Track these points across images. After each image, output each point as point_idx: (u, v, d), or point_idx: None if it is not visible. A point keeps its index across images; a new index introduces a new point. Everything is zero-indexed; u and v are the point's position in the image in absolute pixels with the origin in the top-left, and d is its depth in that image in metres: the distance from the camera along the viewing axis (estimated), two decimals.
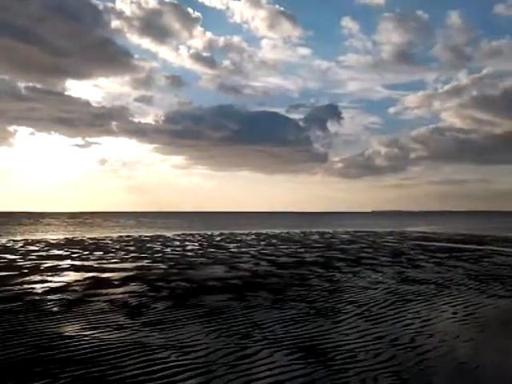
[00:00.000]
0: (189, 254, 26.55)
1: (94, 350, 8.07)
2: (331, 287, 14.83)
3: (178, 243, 35.38)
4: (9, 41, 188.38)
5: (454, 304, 12.24)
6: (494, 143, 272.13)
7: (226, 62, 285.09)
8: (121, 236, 45.06)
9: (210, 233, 51.70)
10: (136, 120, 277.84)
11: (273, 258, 24.29)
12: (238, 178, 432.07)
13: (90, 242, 36.67)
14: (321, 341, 8.78)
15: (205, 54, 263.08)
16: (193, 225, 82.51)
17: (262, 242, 36.59)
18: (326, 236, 46.44)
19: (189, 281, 16.06)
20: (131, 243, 35.01)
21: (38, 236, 45.46)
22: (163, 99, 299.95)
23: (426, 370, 7.20)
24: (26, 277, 16.99)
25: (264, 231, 56.14)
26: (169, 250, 29.34)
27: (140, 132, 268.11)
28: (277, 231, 56.46)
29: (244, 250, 29.39)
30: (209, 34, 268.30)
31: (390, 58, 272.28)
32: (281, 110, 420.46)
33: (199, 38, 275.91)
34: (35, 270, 19.03)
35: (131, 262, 22.26)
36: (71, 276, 17.32)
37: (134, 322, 10.11)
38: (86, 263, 21.43)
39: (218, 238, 41.79)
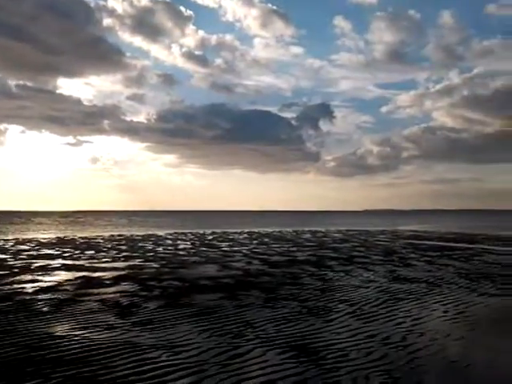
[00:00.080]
0: (181, 252, 26.50)
1: (84, 349, 8.03)
2: (323, 286, 14.86)
3: (170, 242, 35.30)
4: (2, 39, 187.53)
5: (444, 302, 12.30)
6: (485, 142, 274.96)
7: (219, 61, 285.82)
8: (112, 235, 44.88)
9: (202, 232, 51.64)
10: (128, 118, 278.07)
11: (265, 256, 24.30)
12: (231, 176, 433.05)
13: (82, 241, 36.50)
14: (313, 340, 8.79)
15: (197, 53, 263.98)
16: (185, 224, 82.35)
17: (254, 241, 36.59)
18: (319, 235, 46.52)
19: (181, 280, 16.02)
20: (123, 242, 34.89)
21: (29, 235, 45.19)
22: (155, 98, 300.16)
23: (417, 368, 7.23)
24: (16, 276, 16.88)
25: (256, 230, 56.16)
26: (161, 248, 29.27)
27: (132, 130, 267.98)
28: (269, 230, 56.49)
29: (236, 248, 29.38)
30: (201, 33, 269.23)
31: (382, 58, 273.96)
32: (273, 109, 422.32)
33: (191, 37, 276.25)
34: (26, 269, 18.91)
35: (123, 261, 22.18)
36: (62, 275, 17.23)
37: (125, 322, 10.08)
38: (77, 262, 21.32)
39: (210, 237, 41.74)
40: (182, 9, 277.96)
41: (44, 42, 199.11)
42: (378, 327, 9.74)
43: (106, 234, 46.06)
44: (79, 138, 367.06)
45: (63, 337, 8.83)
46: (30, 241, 36.22)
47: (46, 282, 15.74)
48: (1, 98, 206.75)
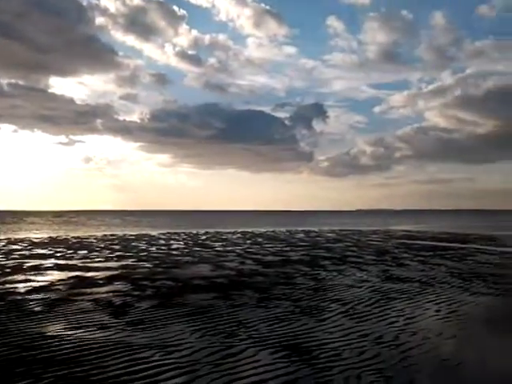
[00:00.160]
0: (174, 252, 26.45)
1: (77, 349, 8.00)
2: (316, 286, 14.88)
3: (163, 242, 35.23)
4: None
5: (437, 302, 12.36)
6: (478, 143, 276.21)
7: (212, 60, 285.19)
8: (105, 235, 44.73)
9: (195, 231, 51.57)
10: (121, 118, 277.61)
11: (258, 256, 24.30)
12: (224, 176, 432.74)
13: (75, 240, 36.35)
14: (305, 339, 8.80)
15: (190, 52, 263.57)
16: (178, 223, 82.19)
17: (248, 241, 36.58)
18: (312, 235, 46.58)
19: (174, 280, 15.99)
20: (116, 242, 34.78)
21: (22, 235, 44.95)
22: (148, 97, 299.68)
23: (409, 367, 7.26)
24: (8, 276, 16.78)
25: (250, 230, 56.15)
26: (154, 248, 29.20)
27: (125, 130, 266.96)
28: (262, 230, 56.50)
29: (229, 248, 29.36)
30: (194, 32, 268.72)
31: (375, 58, 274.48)
32: (267, 109, 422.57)
33: (184, 36, 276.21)
34: (18, 269, 18.81)
35: (116, 260, 22.11)
36: (55, 275, 17.15)
37: (117, 322, 10.04)
38: (69, 262, 21.24)
39: (204, 237, 41.70)
40: (175, 8, 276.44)
41: (35, 40, 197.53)
42: (370, 326, 9.76)
43: (99, 234, 45.90)
44: (72, 137, 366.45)
45: (55, 337, 8.79)
46: (22, 240, 36.02)
47: (38, 281, 15.67)
48: None
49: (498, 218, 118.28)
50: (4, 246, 31.08)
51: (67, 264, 20.56)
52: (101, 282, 15.64)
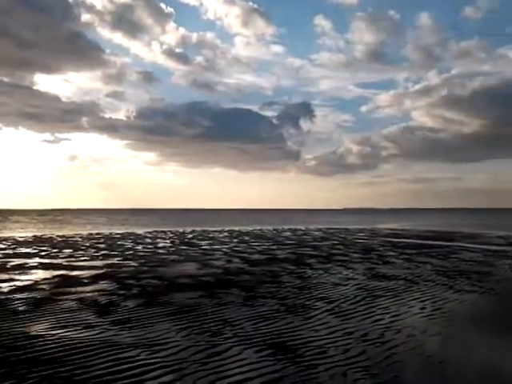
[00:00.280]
0: (160, 251, 26.34)
1: (61, 349, 7.93)
2: (302, 284, 14.92)
3: (149, 240, 35.07)
4: None
5: (422, 299, 12.46)
6: (464, 142, 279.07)
7: (199, 59, 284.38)
8: (91, 233, 44.41)
9: (181, 230, 51.42)
10: (107, 116, 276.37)
11: (245, 255, 24.30)
12: (211, 174, 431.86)
13: (60, 239, 36.04)
14: (291, 337, 8.82)
15: (177, 50, 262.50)
16: (165, 222, 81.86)
17: (235, 239, 36.56)
18: (298, 233, 46.71)
19: (160, 278, 15.93)
20: (102, 241, 34.54)
21: (6, 234, 44.45)
22: (135, 95, 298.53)
23: (394, 364, 7.31)
24: None
25: (237, 228, 56.12)
26: (140, 247, 29.06)
27: (111, 128, 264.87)
28: (249, 228, 56.51)
29: (216, 247, 29.32)
30: (182, 30, 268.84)
31: (362, 57, 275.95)
32: (254, 107, 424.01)
33: (172, 34, 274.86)
34: (1, 268, 18.59)
35: (101, 259, 21.97)
36: (39, 274, 16.99)
37: (103, 321, 9.98)
38: (54, 261, 21.05)
39: (190, 236, 41.59)
40: (163, 6, 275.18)
41: (20, 36, 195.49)
42: (356, 324, 9.81)
43: (85, 233, 45.56)
44: (57, 135, 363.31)
45: (39, 336, 8.71)
46: (6, 239, 35.61)
47: (22, 280, 15.50)
48: None
49: (483, 216, 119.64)
50: None
51: (52, 263, 20.38)
52: (86, 281, 15.52)
